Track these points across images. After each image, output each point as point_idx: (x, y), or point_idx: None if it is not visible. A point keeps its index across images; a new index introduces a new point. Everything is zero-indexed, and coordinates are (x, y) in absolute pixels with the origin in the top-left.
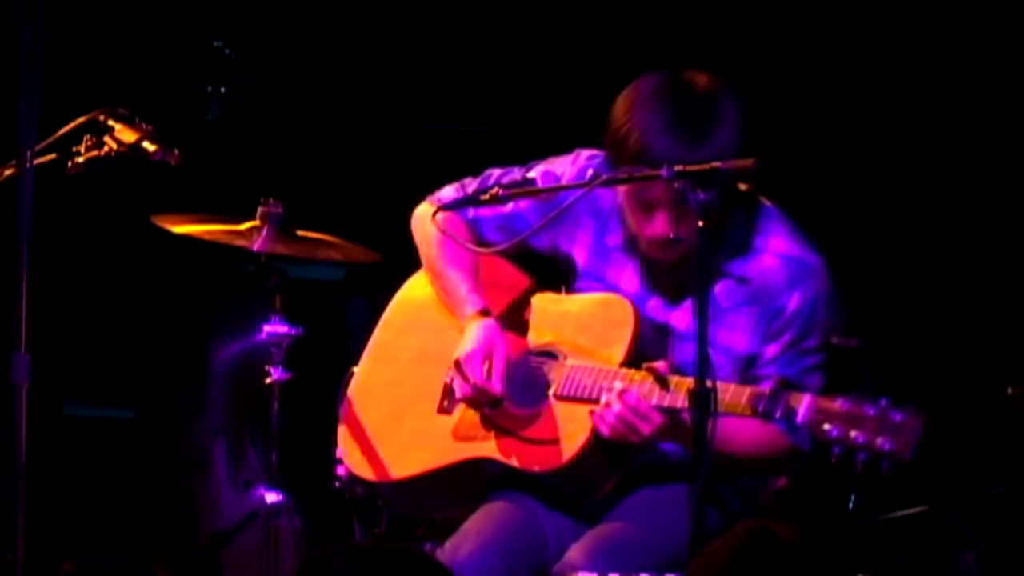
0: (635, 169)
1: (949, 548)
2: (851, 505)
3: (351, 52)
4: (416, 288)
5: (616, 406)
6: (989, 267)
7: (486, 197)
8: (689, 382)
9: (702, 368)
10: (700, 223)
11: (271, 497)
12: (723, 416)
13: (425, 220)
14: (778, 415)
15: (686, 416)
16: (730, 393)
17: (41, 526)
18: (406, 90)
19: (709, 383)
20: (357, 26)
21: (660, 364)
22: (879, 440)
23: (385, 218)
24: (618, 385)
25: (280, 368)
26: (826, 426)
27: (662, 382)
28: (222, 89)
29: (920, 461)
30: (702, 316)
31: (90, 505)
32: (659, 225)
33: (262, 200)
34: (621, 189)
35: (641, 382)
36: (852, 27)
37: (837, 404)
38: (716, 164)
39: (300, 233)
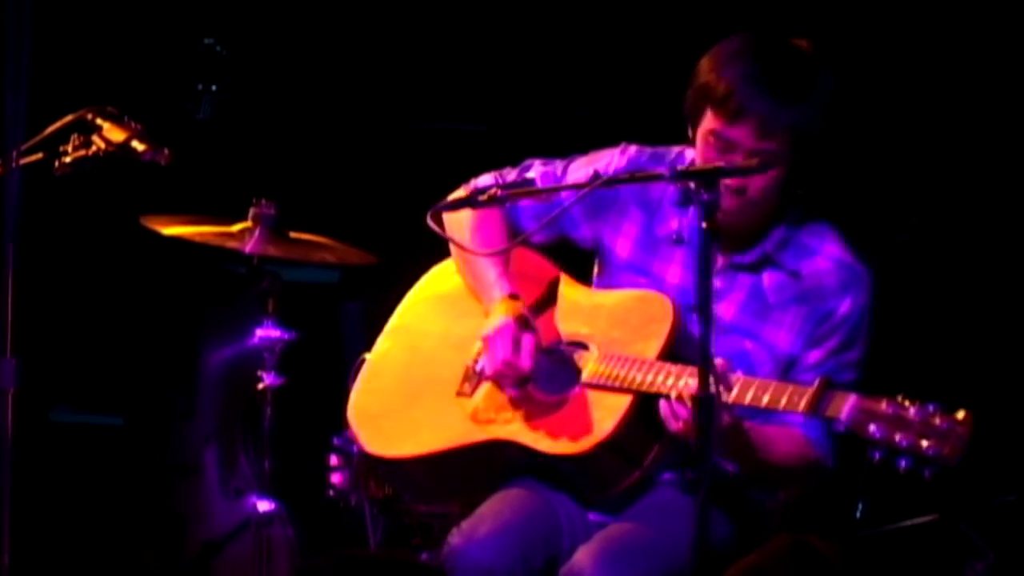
0: (637, 171)
1: (959, 558)
2: (858, 514)
3: (346, 49)
4: (443, 277)
5: (690, 403)
6: (1001, 268)
7: (484, 198)
8: (736, 377)
9: (704, 375)
10: (703, 224)
11: (263, 505)
12: (766, 413)
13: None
14: (822, 412)
15: (752, 424)
16: (772, 389)
17: (28, 535)
18: (402, 88)
19: (753, 379)
20: (352, 22)
21: (719, 362)
22: (924, 444)
23: (381, 219)
24: (691, 381)
25: (273, 373)
26: (871, 427)
27: (726, 383)
28: (213, 87)
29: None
30: (705, 319)
31: (78, 514)
32: (739, 155)
33: (254, 201)
34: (705, 126)
35: (683, 376)
36: (857, 29)
37: (883, 405)
38: (720, 164)
39: (293, 235)
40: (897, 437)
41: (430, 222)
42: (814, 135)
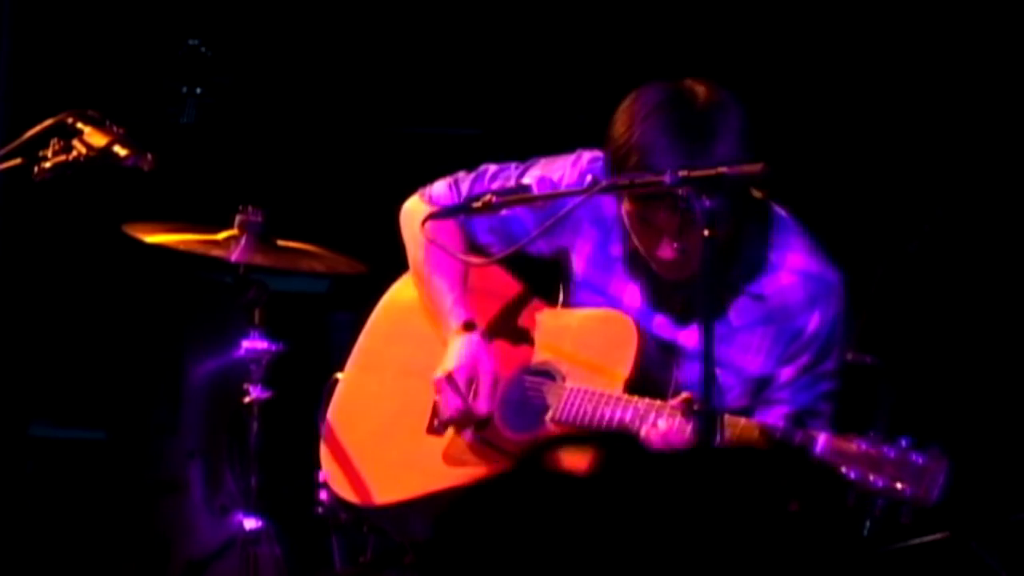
0: (637, 176)
1: None
2: (865, 531)
3: (335, 50)
4: (403, 291)
5: (658, 444)
6: (1014, 280)
7: (478, 205)
8: (734, 420)
9: (707, 390)
10: (705, 232)
11: (250, 523)
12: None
13: (414, 218)
14: (794, 447)
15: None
16: (740, 428)
17: (6, 553)
18: (393, 90)
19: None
20: (341, 23)
21: (687, 395)
22: (899, 486)
23: (371, 227)
24: (661, 424)
25: (259, 386)
26: (843, 468)
27: (687, 416)
28: (198, 90)
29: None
30: (707, 334)
31: (58, 531)
32: (665, 251)
33: (240, 208)
34: (624, 207)
35: (670, 415)
36: (862, 30)
37: (855, 445)
38: (722, 169)
39: (281, 243)
40: (871, 478)
41: (424, 230)
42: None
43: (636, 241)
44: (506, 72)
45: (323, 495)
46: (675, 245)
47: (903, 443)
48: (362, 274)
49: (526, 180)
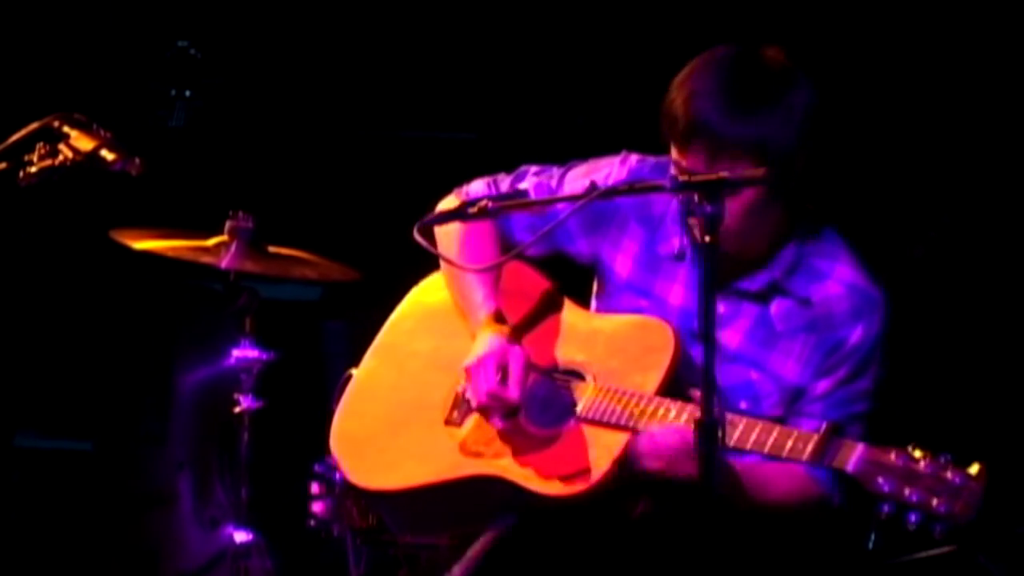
0: (636, 181)
1: None
2: (870, 544)
3: (328, 52)
4: (432, 290)
5: (661, 439)
6: (1020, 286)
7: (474, 211)
8: (738, 419)
9: (707, 399)
10: (707, 238)
11: (240, 536)
12: (768, 460)
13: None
14: (827, 462)
15: (732, 458)
16: (775, 435)
17: None
18: (388, 94)
19: (756, 421)
20: (335, 24)
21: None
22: (935, 501)
23: (365, 233)
24: (663, 414)
25: (250, 396)
26: (879, 480)
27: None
28: (187, 92)
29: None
30: (708, 341)
31: (44, 544)
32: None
33: (230, 213)
34: (672, 153)
35: (664, 415)
36: (869, 36)
37: (892, 457)
38: (723, 174)
39: (272, 249)
40: (907, 491)
41: (417, 236)
42: (788, 152)
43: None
44: (502, 75)
45: (316, 507)
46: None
47: (942, 459)
48: (356, 281)
49: (522, 185)
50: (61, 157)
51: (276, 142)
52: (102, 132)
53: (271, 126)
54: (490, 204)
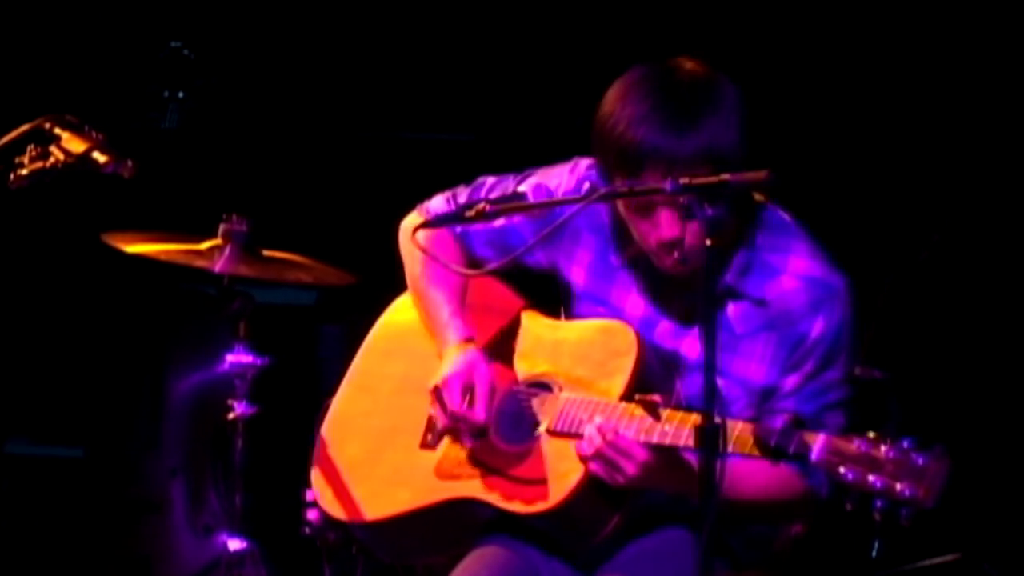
0: (635, 183)
1: None
2: (873, 553)
3: (324, 52)
4: (401, 311)
5: (596, 440)
6: None
7: (471, 213)
8: (686, 416)
9: (709, 402)
10: (708, 241)
11: (234, 544)
12: (729, 456)
13: (411, 233)
14: (791, 452)
15: (686, 455)
16: (736, 431)
17: None
18: (384, 94)
19: (718, 419)
20: (331, 24)
21: (655, 396)
22: (898, 486)
23: (361, 236)
24: (599, 419)
25: (244, 402)
26: (841, 469)
27: (654, 415)
28: (180, 93)
29: (951, 504)
30: (709, 343)
31: (35, 553)
32: (665, 227)
33: (224, 216)
34: (621, 204)
35: (628, 415)
36: (874, 38)
37: (854, 445)
38: (726, 176)
39: (266, 253)
40: (870, 478)
41: (415, 241)
42: (735, 152)
43: (633, 230)
44: (500, 76)
45: (311, 515)
46: (673, 215)
47: (905, 443)
48: (351, 285)
49: (522, 188)
50: (52, 159)
51: (271, 144)
52: (94, 134)
53: (266, 127)
54: (488, 207)
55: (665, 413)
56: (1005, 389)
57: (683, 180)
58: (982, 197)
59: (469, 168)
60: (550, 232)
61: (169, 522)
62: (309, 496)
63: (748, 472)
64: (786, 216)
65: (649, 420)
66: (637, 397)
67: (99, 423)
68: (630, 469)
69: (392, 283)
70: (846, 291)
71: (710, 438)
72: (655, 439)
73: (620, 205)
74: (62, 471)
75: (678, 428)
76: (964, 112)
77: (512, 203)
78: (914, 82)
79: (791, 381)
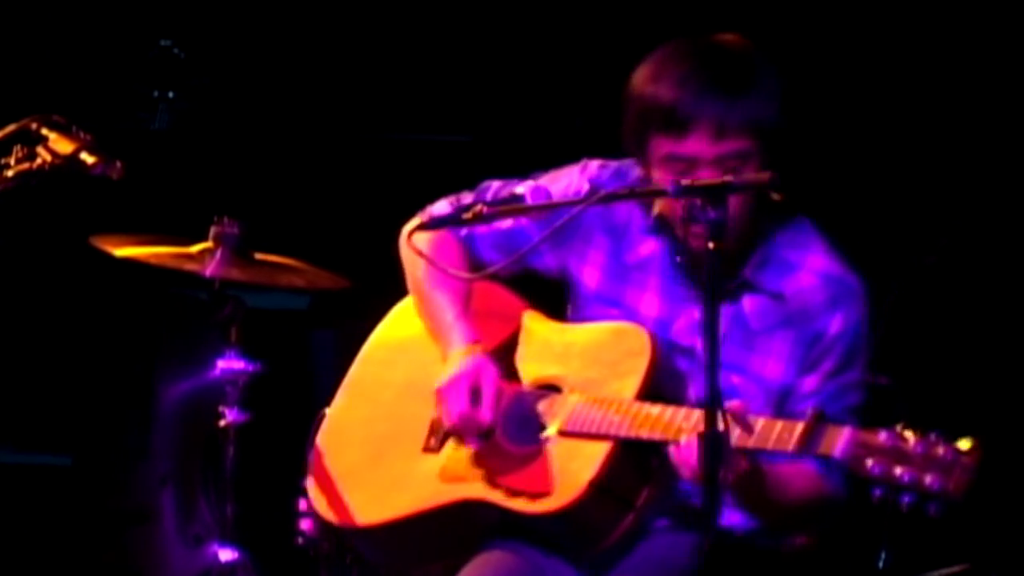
0: (636, 186)
1: None
2: (880, 563)
3: (318, 52)
4: (400, 320)
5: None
6: None
7: (469, 216)
8: (753, 420)
9: (712, 404)
10: (711, 244)
11: (226, 554)
12: (760, 454)
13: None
14: (814, 449)
15: (765, 466)
16: (759, 426)
17: None
18: (379, 95)
19: (761, 420)
20: (324, 23)
21: (735, 403)
22: (927, 479)
23: (355, 240)
24: (616, 418)
25: (236, 409)
26: (868, 462)
27: (743, 424)
28: (170, 94)
29: (959, 513)
30: (711, 343)
31: (22, 563)
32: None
33: (216, 219)
34: (656, 156)
35: (645, 414)
36: (883, 42)
37: (881, 438)
38: (728, 178)
39: (258, 256)
40: (897, 471)
41: (412, 244)
42: (776, 132)
43: (670, 209)
44: (499, 76)
45: (304, 525)
46: (717, 162)
47: (932, 436)
48: (345, 290)
49: (519, 190)
50: (39, 160)
51: (263, 145)
52: (82, 135)
53: (258, 128)
54: (485, 209)
55: (758, 422)
56: (1012, 396)
57: (685, 182)
58: (989, 201)
59: (466, 170)
60: (554, 232)
61: (159, 532)
62: (302, 506)
63: (792, 475)
64: (805, 220)
65: (739, 428)
66: (726, 406)
67: (87, 430)
68: (728, 476)
69: (386, 287)
70: (863, 291)
71: (712, 439)
72: (751, 444)
73: (656, 174)
74: (49, 480)
75: (763, 434)
76: (971, 117)
77: (510, 204)
78: (922, 86)
79: (811, 382)
